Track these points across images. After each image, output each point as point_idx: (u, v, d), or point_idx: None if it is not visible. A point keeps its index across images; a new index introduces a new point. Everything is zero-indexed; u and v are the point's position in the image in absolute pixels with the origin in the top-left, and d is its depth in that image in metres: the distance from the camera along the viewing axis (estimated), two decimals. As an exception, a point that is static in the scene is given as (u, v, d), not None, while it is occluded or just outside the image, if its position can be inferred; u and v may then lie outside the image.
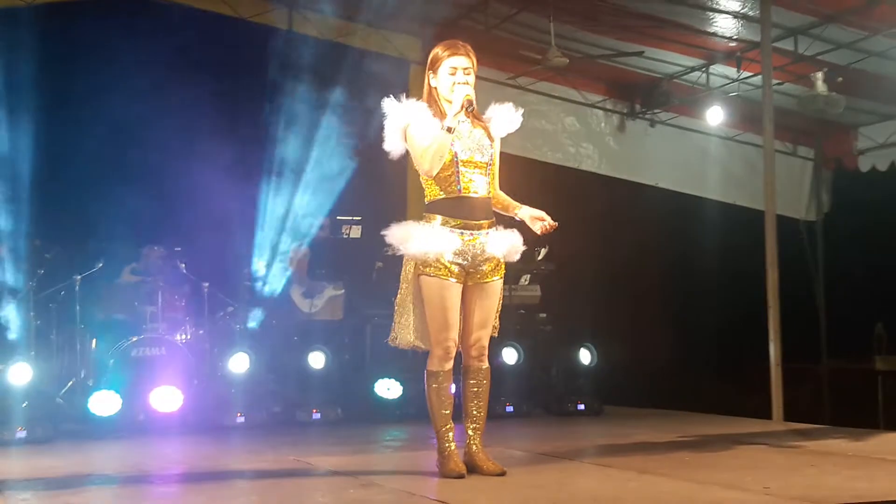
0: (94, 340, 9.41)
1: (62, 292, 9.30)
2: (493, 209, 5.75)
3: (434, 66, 5.64)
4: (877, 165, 13.06)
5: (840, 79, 10.96)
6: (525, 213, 5.78)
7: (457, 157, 5.53)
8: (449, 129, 5.44)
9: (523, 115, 5.81)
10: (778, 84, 10.77)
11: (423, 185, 5.68)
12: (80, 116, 10.10)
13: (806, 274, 13.61)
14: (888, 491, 5.02)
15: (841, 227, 13.65)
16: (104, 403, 8.54)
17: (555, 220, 5.70)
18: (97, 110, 10.16)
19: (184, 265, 9.70)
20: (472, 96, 5.51)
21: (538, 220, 5.73)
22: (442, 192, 5.57)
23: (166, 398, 8.82)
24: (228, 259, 10.35)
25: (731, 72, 11.53)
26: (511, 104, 5.80)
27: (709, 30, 10.81)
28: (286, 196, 10.79)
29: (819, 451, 6.78)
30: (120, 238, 9.77)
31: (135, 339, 9.07)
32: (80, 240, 9.81)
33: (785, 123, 12.14)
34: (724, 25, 10.69)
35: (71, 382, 9.15)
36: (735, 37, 10.91)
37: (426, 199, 5.67)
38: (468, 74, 5.57)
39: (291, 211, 10.75)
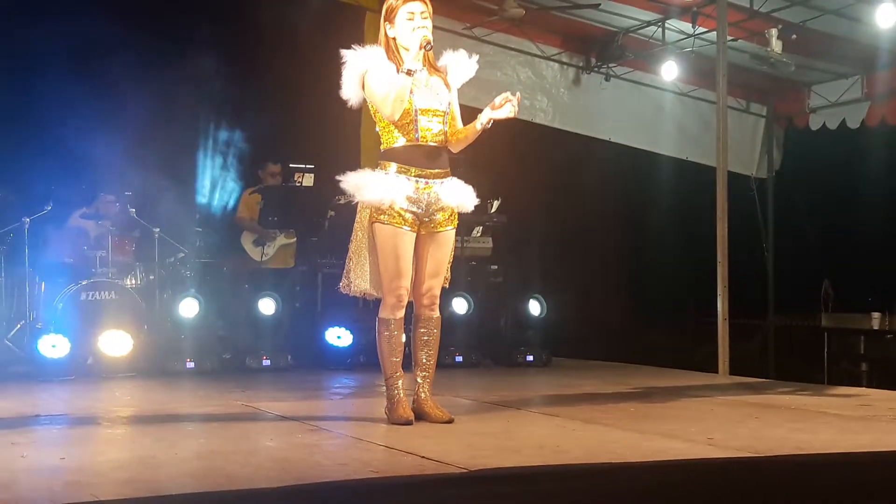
0: (42, 283, 9.34)
1: (11, 234, 9.22)
2: (460, 146, 5.74)
3: (390, 16, 5.62)
4: (827, 123, 13.16)
5: (794, 36, 11.01)
6: (486, 114, 5.59)
7: (415, 106, 5.54)
8: (409, 72, 5.44)
9: (479, 65, 5.83)
10: (732, 40, 10.81)
11: (380, 133, 5.69)
12: (31, 60, 9.97)
13: (755, 230, 13.72)
14: (830, 443, 5.12)
15: (791, 184, 13.77)
16: (53, 346, 8.48)
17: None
18: (48, 54, 10.03)
19: (134, 210, 9.62)
20: (430, 37, 5.51)
21: (501, 105, 5.57)
22: (399, 140, 5.58)
23: (115, 342, 8.78)
24: (179, 204, 10.27)
25: (687, 27, 11.52)
26: (464, 51, 5.81)
27: (665, -16, 10.82)
28: (236, 142, 10.73)
29: (763, 404, 6.87)
30: (69, 181, 9.68)
31: (84, 282, 9.03)
32: (28, 182, 9.71)
33: (738, 80, 12.19)
34: (681, -20, 10.70)
35: (19, 325, 9.10)
36: (691, -9, 10.93)
37: (382, 147, 5.68)
38: (425, 18, 5.56)
39: (239, 157, 10.72)
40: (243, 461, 4.57)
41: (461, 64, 5.76)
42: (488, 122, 5.61)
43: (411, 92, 5.51)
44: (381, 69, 5.54)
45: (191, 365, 8.98)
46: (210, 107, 10.77)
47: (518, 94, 5.62)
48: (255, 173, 10.61)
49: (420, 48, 5.49)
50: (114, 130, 9.96)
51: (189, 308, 9.20)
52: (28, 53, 9.94)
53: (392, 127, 5.59)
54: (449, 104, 5.68)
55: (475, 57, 5.80)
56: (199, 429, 5.86)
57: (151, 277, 9.75)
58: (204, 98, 10.67)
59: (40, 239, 9.43)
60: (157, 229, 9.61)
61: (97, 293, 9.03)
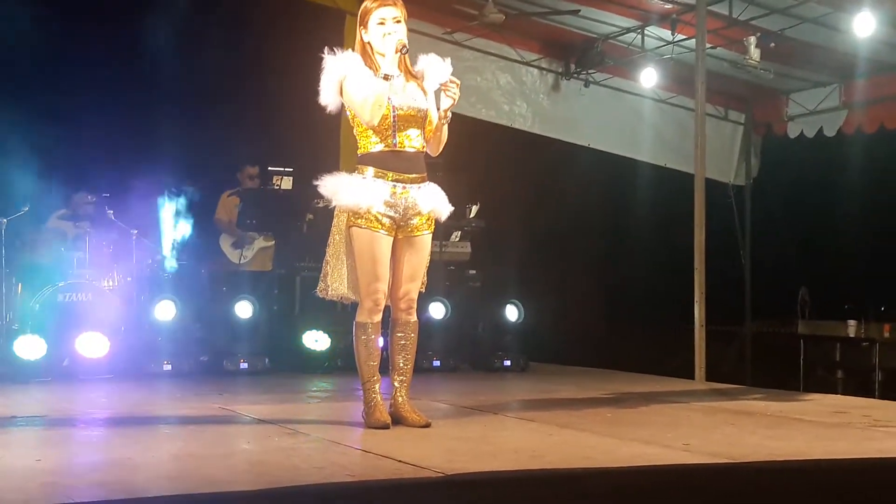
0: (19, 285, 9.29)
1: (-13, 235, 9.17)
2: (436, 146, 5.77)
3: (364, 21, 5.64)
4: (805, 131, 13.22)
5: (773, 44, 11.07)
6: (443, 105, 5.67)
7: (394, 112, 5.55)
8: (386, 77, 5.46)
9: (459, 71, 5.85)
10: (711, 48, 10.85)
11: (357, 137, 5.70)
12: (7, 59, 9.93)
13: (733, 237, 13.77)
14: (804, 450, 5.14)
15: (768, 191, 13.84)
16: (29, 348, 8.44)
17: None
18: (24, 53, 10.00)
19: (112, 212, 9.60)
20: (405, 41, 5.53)
21: (446, 92, 5.63)
22: (376, 145, 5.59)
23: (92, 344, 8.74)
24: (157, 206, 10.25)
25: (666, 34, 11.57)
26: (436, 55, 5.82)
27: (645, -9, 10.86)
28: (214, 145, 10.71)
29: (739, 410, 6.90)
30: (48, 183, 9.65)
31: (61, 284, 9.00)
32: (5, 183, 9.67)
33: (717, 87, 12.24)
34: (661, -13, 10.74)
35: (-5, 326, 9.06)
36: (671, -1, 10.97)
37: (359, 151, 5.68)
38: (398, 23, 5.58)
39: (218, 159, 10.70)
40: (219, 464, 4.57)
41: (436, 68, 5.77)
42: (445, 116, 5.66)
43: (390, 98, 5.53)
44: (358, 74, 5.54)
45: (168, 367, 8.97)
46: (189, 107, 10.74)
47: (456, 81, 5.63)
48: (234, 175, 10.59)
49: (396, 52, 5.51)
50: (91, 131, 9.95)
51: (166, 310, 9.19)
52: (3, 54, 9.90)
53: (369, 132, 5.60)
54: (425, 110, 5.69)
55: (448, 60, 5.81)
56: (176, 431, 5.85)
57: (129, 279, 9.72)
58: (183, 98, 10.65)
59: (17, 240, 9.38)
60: (135, 231, 9.60)
61: (74, 295, 9.00)
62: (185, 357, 9.15)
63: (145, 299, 9.61)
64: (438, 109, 5.73)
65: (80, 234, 9.52)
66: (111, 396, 7.58)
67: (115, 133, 10.20)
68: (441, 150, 5.84)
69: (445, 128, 5.75)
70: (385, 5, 5.58)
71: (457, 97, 5.63)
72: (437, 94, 5.73)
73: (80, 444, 5.44)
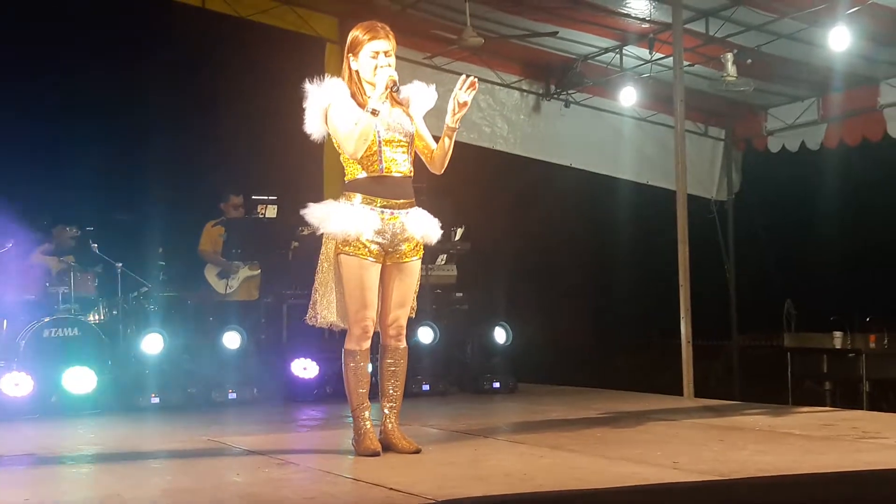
0: (4, 321, 9.27)
1: (-29, 272, 9.15)
2: (442, 163, 5.73)
3: (354, 50, 5.62)
4: (786, 145, 13.29)
5: (749, 61, 11.14)
6: (449, 120, 5.63)
7: (379, 137, 5.54)
8: (374, 112, 5.44)
9: (439, 94, 5.86)
10: (689, 66, 10.92)
11: (343, 164, 5.68)
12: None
13: (716, 252, 13.82)
14: (793, 464, 5.15)
15: (751, 206, 13.90)
16: (16, 385, 8.41)
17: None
18: (8, 89, 10.02)
19: (96, 245, 9.59)
20: (396, 77, 5.53)
21: (455, 107, 5.61)
22: (363, 171, 5.58)
23: (79, 379, 8.71)
24: (141, 239, 10.25)
25: (644, 53, 11.63)
26: (419, 81, 5.84)
27: (622, 11, 10.88)
28: (197, 176, 10.72)
29: (728, 426, 6.92)
30: (31, 218, 9.64)
31: (47, 319, 8.97)
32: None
33: (696, 104, 12.31)
34: (637, 7, 10.76)
35: (-19, 364, 9.02)
36: (647, 18, 10.99)
37: (346, 178, 5.67)
38: (389, 57, 5.58)
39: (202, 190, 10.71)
40: (210, 497, 4.56)
41: (421, 94, 5.79)
42: (455, 125, 5.63)
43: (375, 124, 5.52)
44: (343, 104, 5.53)
45: (156, 400, 8.94)
46: (171, 138, 10.74)
47: (468, 77, 5.64)
48: (218, 205, 10.59)
49: (386, 88, 5.49)
50: (74, 164, 9.95)
51: (153, 343, 9.16)
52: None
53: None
54: (411, 135, 5.69)
55: (432, 86, 5.84)
56: (165, 465, 5.84)
57: (115, 313, 9.71)
58: (165, 129, 10.65)
59: (2, 276, 9.36)
60: (120, 264, 9.59)
61: (60, 330, 8.98)
62: (173, 389, 9.12)
63: (132, 332, 9.59)
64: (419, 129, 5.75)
65: (65, 268, 9.50)
66: (99, 432, 7.56)
67: (99, 165, 10.20)
68: (445, 167, 5.82)
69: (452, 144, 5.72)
70: (378, 38, 5.57)
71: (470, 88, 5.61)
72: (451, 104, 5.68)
73: (69, 481, 5.42)
